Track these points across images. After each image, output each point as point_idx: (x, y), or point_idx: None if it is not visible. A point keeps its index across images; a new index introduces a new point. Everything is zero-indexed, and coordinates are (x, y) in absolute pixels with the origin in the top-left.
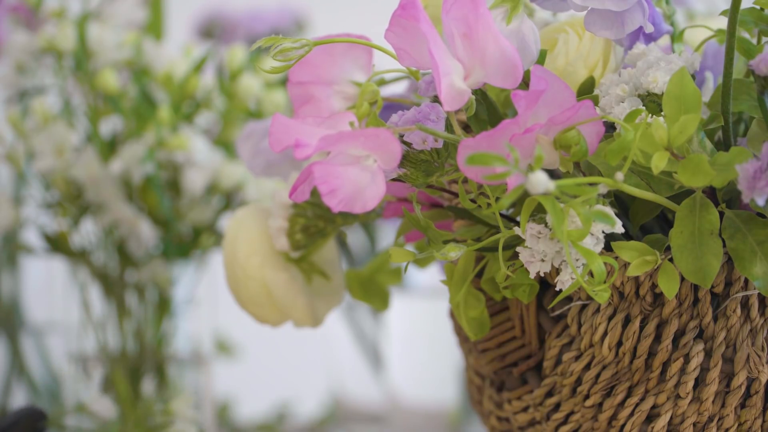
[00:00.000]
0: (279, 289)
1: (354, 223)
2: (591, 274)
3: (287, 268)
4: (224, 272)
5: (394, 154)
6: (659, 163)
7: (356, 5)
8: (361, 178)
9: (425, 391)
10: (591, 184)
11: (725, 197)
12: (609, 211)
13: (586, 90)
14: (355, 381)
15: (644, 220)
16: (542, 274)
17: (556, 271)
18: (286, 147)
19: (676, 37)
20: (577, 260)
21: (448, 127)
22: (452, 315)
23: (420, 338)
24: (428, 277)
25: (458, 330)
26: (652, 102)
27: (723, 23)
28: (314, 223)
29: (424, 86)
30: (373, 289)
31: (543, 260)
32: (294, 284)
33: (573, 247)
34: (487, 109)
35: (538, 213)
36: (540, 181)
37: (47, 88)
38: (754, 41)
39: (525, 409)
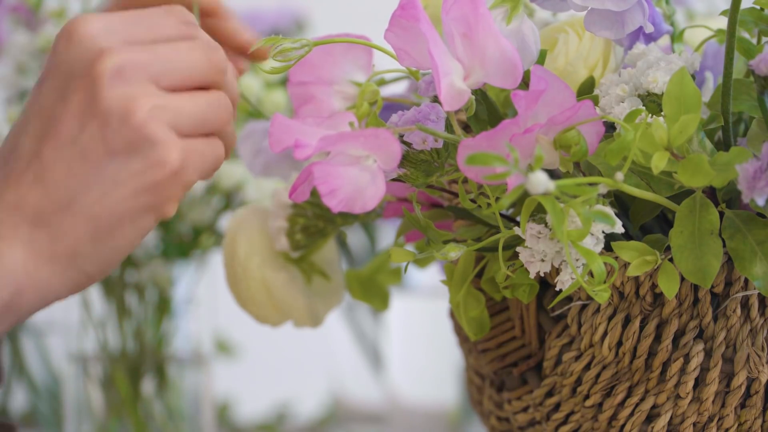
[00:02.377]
0: (279, 289)
1: (354, 223)
2: (591, 274)
3: (287, 268)
4: (224, 272)
5: (394, 155)
6: (659, 163)
7: (356, 5)
8: (360, 178)
9: (425, 391)
10: (591, 184)
11: (725, 197)
12: (609, 211)
13: (586, 90)
14: (355, 381)
15: (644, 220)
16: (542, 274)
17: (556, 271)
18: (286, 147)
19: (676, 37)
20: (577, 260)
21: (448, 127)
22: (452, 315)
23: (420, 338)
24: (428, 277)
25: (458, 330)
26: (652, 102)
27: (723, 23)
28: (314, 223)
29: (424, 86)
30: (373, 289)
31: (543, 260)
32: (294, 284)
33: (573, 247)
34: (487, 109)
35: (538, 213)
36: (540, 181)
37: None
38: (754, 41)
39: (525, 409)
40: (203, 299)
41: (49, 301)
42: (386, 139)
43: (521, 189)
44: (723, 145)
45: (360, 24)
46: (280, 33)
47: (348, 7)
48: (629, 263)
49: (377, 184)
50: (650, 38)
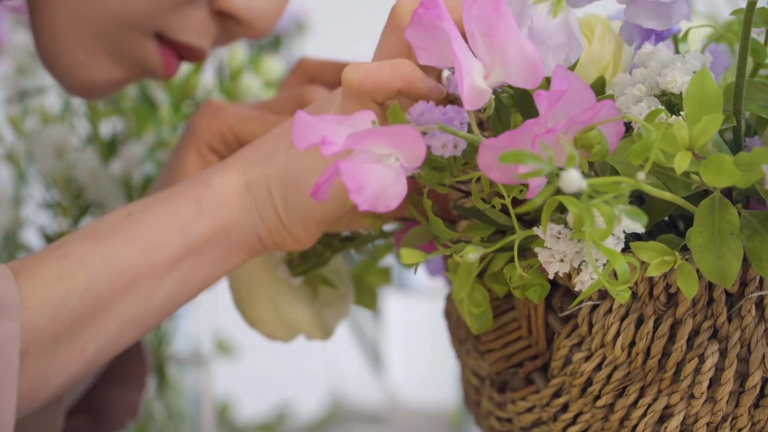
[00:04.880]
0: (285, 306)
1: (351, 247)
2: (613, 274)
3: (292, 284)
4: (230, 293)
5: (418, 153)
6: (682, 163)
7: (356, 6)
8: (384, 176)
9: (425, 391)
10: (617, 184)
11: (738, 197)
12: (639, 210)
13: (598, 90)
14: (355, 381)
15: (655, 221)
16: (561, 275)
17: (568, 273)
18: (310, 144)
19: (682, 37)
20: (596, 260)
21: (468, 128)
22: (447, 315)
23: (420, 338)
24: (428, 277)
25: (454, 330)
26: (664, 102)
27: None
28: (312, 248)
29: (453, 81)
30: (362, 289)
31: (562, 260)
32: (300, 299)
33: (594, 247)
34: (526, 108)
35: (555, 213)
36: (573, 180)
37: (47, 88)
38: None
39: (530, 410)
40: (203, 299)
41: (251, 234)
42: (412, 137)
43: (553, 188)
44: (733, 145)
45: (360, 25)
46: (280, 33)
47: (348, 8)
48: (646, 263)
49: (400, 182)
50: (660, 38)
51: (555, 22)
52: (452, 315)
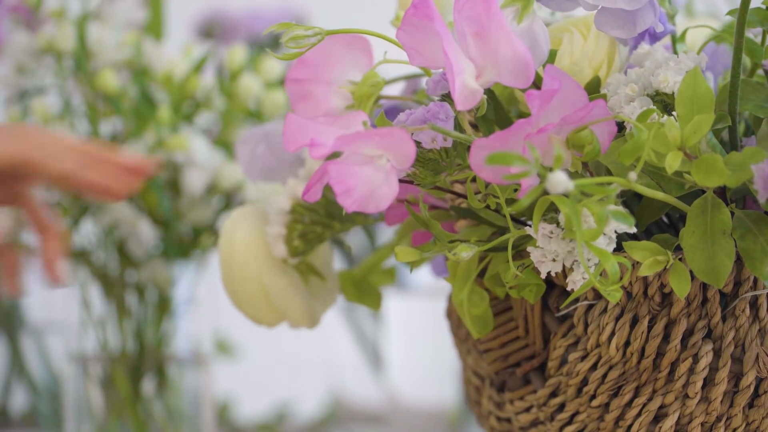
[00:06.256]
0: (278, 292)
1: (351, 228)
2: (603, 273)
3: (285, 270)
4: (221, 273)
5: (408, 154)
6: (673, 163)
7: (356, 5)
8: (374, 177)
9: (425, 391)
10: (606, 184)
11: (733, 197)
12: (625, 210)
13: (592, 90)
14: (355, 381)
15: (651, 220)
16: (553, 274)
17: (563, 271)
18: (300, 146)
19: (679, 37)
20: (588, 260)
21: (458, 127)
22: (449, 315)
23: (420, 338)
24: (428, 277)
25: (455, 330)
26: (658, 102)
27: (720, 24)
28: (312, 229)
29: (432, 85)
30: (366, 289)
31: (554, 260)
32: (292, 286)
33: (586, 246)
34: (495, 109)
35: (549, 213)
36: (560, 181)
37: (47, 88)
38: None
39: (528, 410)
40: (203, 299)
41: None
42: (401, 138)
43: (541, 189)
44: (729, 145)
45: (360, 24)
46: (279, 32)
47: (348, 7)
48: (639, 263)
49: (390, 183)
50: (654, 38)
51: (519, 27)
52: (453, 315)
